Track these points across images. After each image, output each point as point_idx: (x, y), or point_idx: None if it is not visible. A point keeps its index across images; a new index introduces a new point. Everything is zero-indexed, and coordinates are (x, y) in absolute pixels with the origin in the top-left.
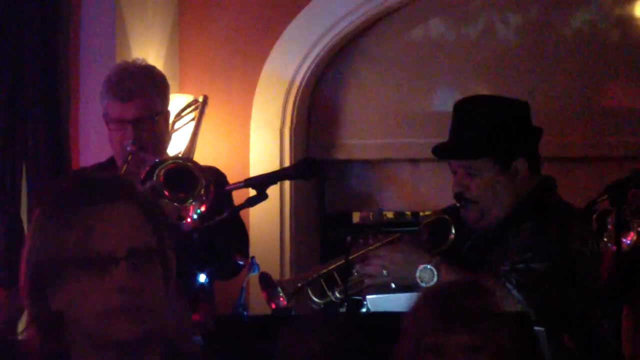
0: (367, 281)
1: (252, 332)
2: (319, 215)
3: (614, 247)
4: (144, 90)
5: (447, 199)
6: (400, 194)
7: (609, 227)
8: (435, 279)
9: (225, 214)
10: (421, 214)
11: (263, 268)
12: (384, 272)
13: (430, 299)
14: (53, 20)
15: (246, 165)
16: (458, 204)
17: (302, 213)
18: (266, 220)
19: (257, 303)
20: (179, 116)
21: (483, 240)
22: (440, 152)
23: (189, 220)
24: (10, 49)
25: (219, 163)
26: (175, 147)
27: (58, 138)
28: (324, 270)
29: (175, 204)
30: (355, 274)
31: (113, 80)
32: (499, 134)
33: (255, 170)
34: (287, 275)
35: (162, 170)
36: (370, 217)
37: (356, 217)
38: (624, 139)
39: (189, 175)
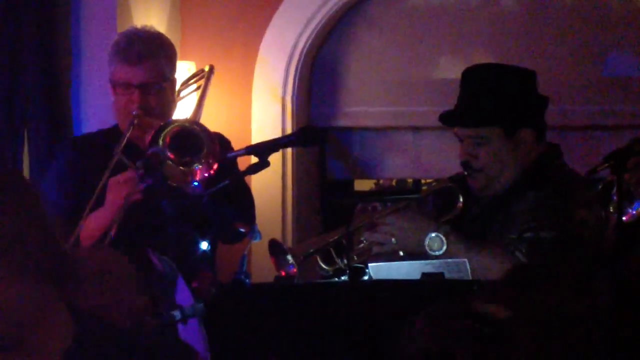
0: (375, 249)
1: (254, 299)
2: (320, 183)
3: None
4: (153, 55)
5: (449, 167)
6: (402, 161)
7: (614, 197)
8: (444, 247)
9: (227, 181)
10: (422, 181)
11: (264, 235)
12: (393, 240)
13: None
14: None
15: (248, 132)
16: (465, 172)
17: (304, 180)
18: (268, 188)
19: (259, 270)
20: (185, 85)
21: (490, 208)
22: (448, 119)
23: (195, 184)
24: (10, 16)
25: (221, 130)
26: (179, 115)
27: (59, 104)
28: (332, 238)
29: (181, 167)
30: (364, 241)
31: (122, 44)
32: (507, 102)
33: (257, 138)
34: (289, 242)
35: (169, 133)
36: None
37: (363, 184)
38: (626, 108)
39: (195, 139)
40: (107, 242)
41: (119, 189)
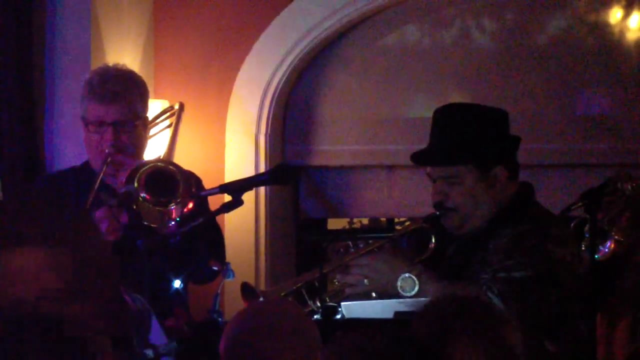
0: (347, 290)
1: None
2: (294, 222)
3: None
4: (126, 94)
5: (422, 206)
6: (375, 200)
7: (587, 235)
8: (416, 288)
9: (200, 220)
10: (396, 220)
11: (238, 274)
12: (365, 281)
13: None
14: (28, 25)
15: (221, 171)
16: (438, 213)
17: (277, 219)
18: (241, 226)
19: (232, 309)
20: (154, 122)
21: (463, 248)
22: (420, 159)
23: (172, 223)
24: None
25: (194, 169)
26: (151, 153)
27: (33, 143)
28: (305, 280)
29: (157, 207)
30: (336, 283)
31: (95, 82)
32: (479, 141)
33: (230, 176)
34: (263, 281)
35: (144, 174)
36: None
37: (337, 223)
38: (598, 146)
39: (170, 179)
40: None
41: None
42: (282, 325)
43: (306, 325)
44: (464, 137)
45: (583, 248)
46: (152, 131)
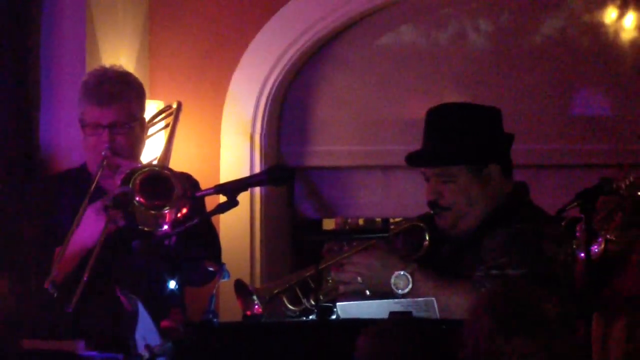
0: (341, 288)
1: (222, 338)
2: (289, 222)
3: (582, 255)
4: (122, 96)
5: (418, 206)
6: (371, 200)
7: (577, 234)
8: (410, 286)
9: (195, 220)
10: (391, 220)
11: (233, 274)
12: (359, 279)
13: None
14: (23, 26)
15: (217, 171)
16: (432, 212)
17: (273, 219)
18: (236, 227)
19: (227, 310)
20: (152, 122)
21: (458, 246)
22: (414, 160)
23: (165, 227)
24: None
25: (190, 169)
26: (148, 153)
27: (29, 145)
28: (299, 278)
29: (152, 211)
30: (330, 281)
31: (91, 85)
32: (471, 140)
33: (225, 177)
34: (258, 281)
35: (139, 178)
36: (347, 222)
37: (330, 223)
38: (593, 147)
39: (165, 183)
40: (82, 284)
41: (99, 216)
42: None
43: None
44: (456, 137)
45: (575, 247)
46: (150, 131)
